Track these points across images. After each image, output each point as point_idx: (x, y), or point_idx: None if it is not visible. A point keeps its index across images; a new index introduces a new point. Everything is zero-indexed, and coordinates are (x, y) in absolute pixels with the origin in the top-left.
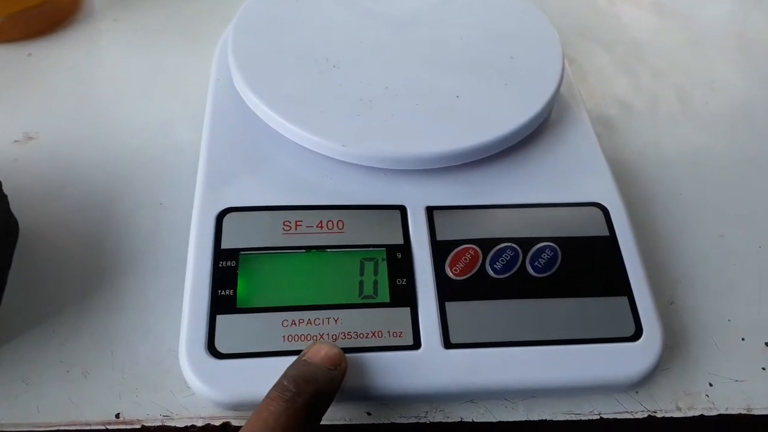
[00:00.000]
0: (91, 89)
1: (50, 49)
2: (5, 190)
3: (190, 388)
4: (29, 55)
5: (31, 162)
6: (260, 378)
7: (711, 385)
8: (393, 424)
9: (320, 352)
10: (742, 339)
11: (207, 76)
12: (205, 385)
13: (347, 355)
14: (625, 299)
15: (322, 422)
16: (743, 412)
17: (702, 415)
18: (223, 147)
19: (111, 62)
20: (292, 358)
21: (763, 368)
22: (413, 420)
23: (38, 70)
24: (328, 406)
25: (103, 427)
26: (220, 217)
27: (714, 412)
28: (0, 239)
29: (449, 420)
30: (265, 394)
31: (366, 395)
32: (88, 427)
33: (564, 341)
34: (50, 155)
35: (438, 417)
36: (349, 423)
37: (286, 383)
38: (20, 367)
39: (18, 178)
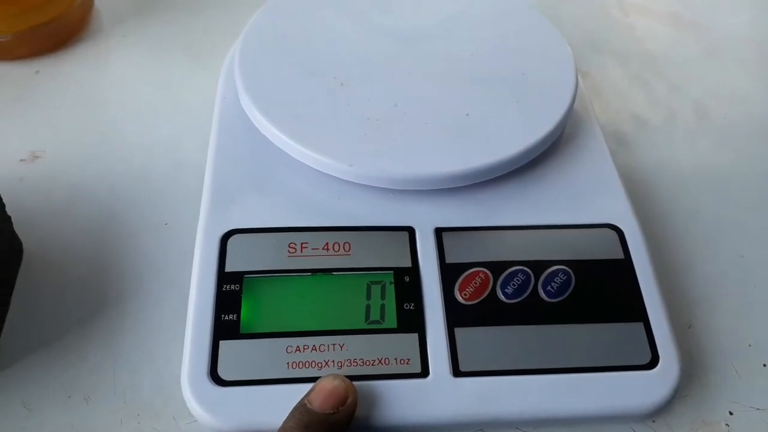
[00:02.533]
0: (98, 107)
1: (58, 67)
2: (9, 211)
3: (192, 416)
4: (37, 72)
5: (36, 181)
6: (264, 406)
7: (731, 413)
8: None
9: (322, 392)
10: (764, 365)
11: (214, 93)
12: (207, 413)
13: (355, 384)
14: (640, 325)
15: None
16: None
17: None
18: (229, 166)
19: (118, 79)
20: (296, 386)
21: None
22: None
23: (46, 87)
24: None
25: None
26: (225, 239)
27: None
28: (4, 261)
29: None
30: (268, 423)
31: (373, 425)
32: None
33: (577, 369)
34: (56, 174)
35: None
36: None
37: None
38: (22, 391)
39: (23, 198)
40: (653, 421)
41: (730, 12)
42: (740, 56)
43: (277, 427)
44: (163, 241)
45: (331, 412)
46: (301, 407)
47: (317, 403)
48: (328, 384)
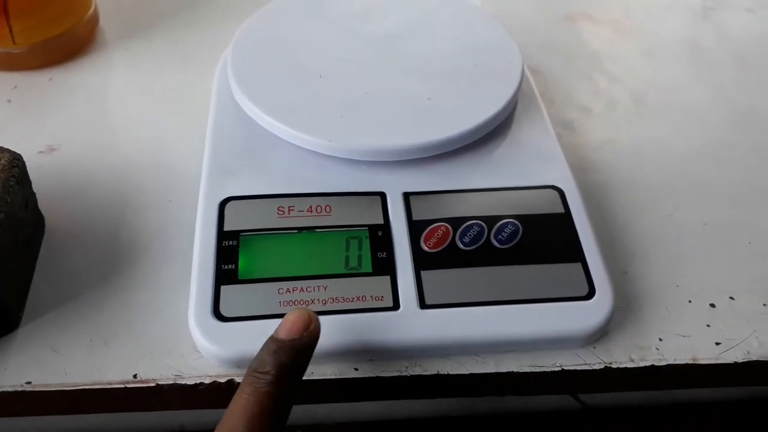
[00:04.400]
0: (105, 107)
1: (69, 75)
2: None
3: (198, 352)
4: (50, 79)
5: (54, 169)
6: (260, 337)
7: (661, 340)
8: (378, 377)
9: (287, 323)
10: (689, 301)
11: (208, 93)
12: (212, 344)
13: (335, 317)
14: (579, 265)
15: (314, 377)
16: (690, 362)
17: (653, 365)
18: (224, 146)
19: (123, 85)
20: None
21: (708, 325)
22: (395, 374)
23: (59, 92)
24: (303, 373)
25: (122, 386)
26: (223, 204)
27: (663, 363)
28: (31, 230)
29: (427, 373)
30: None
31: (353, 352)
32: (110, 386)
33: (525, 300)
34: (71, 163)
35: (417, 371)
36: (339, 377)
37: (252, 368)
38: (50, 338)
39: (43, 182)
40: (594, 347)
41: (663, 17)
42: (673, 54)
43: None
44: (168, 215)
45: (296, 337)
46: (270, 339)
47: (283, 332)
48: (291, 315)
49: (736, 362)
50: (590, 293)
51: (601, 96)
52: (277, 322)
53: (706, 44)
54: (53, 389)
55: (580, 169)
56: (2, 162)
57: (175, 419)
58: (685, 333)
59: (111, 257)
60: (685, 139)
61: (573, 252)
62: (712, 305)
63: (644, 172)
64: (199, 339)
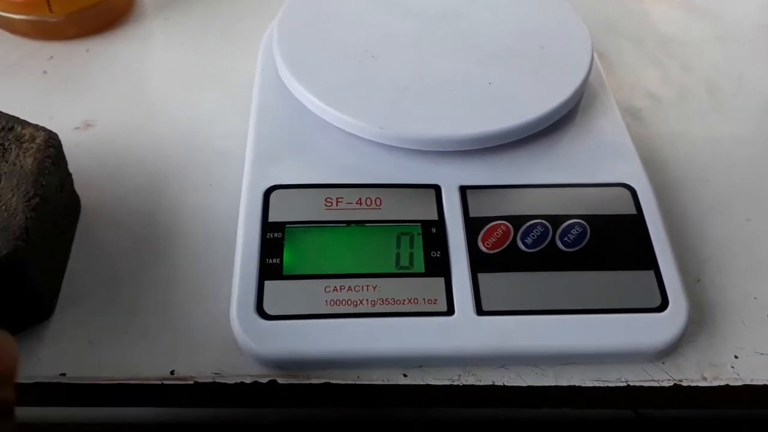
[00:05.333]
0: (144, 82)
1: (106, 46)
2: None
3: (239, 350)
4: (87, 50)
5: (90, 147)
6: (305, 337)
7: (736, 357)
8: (427, 386)
9: None
10: None
11: (249, 70)
12: (254, 342)
13: (384, 320)
14: (651, 273)
15: (360, 382)
16: None
17: (727, 385)
18: (270, 130)
19: (162, 57)
20: (334, 321)
21: None
22: (447, 383)
23: (96, 64)
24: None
25: (159, 382)
26: (267, 193)
27: (739, 383)
28: (66, 213)
29: (481, 383)
30: (308, 353)
31: (402, 358)
32: (147, 382)
33: (591, 311)
34: (108, 141)
35: (470, 380)
36: (387, 383)
37: None
38: (85, 329)
39: (79, 161)
40: (663, 363)
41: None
42: (750, 40)
43: (316, 358)
44: (208, 200)
45: None
46: None
47: None
48: None
49: None
50: (663, 305)
51: (672, 84)
52: (323, 322)
53: None
54: (88, 382)
55: (648, 164)
56: (38, 141)
57: (208, 413)
58: (764, 350)
59: (148, 244)
60: (763, 135)
61: (645, 258)
62: None
63: (719, 170)
64: (241, 337)
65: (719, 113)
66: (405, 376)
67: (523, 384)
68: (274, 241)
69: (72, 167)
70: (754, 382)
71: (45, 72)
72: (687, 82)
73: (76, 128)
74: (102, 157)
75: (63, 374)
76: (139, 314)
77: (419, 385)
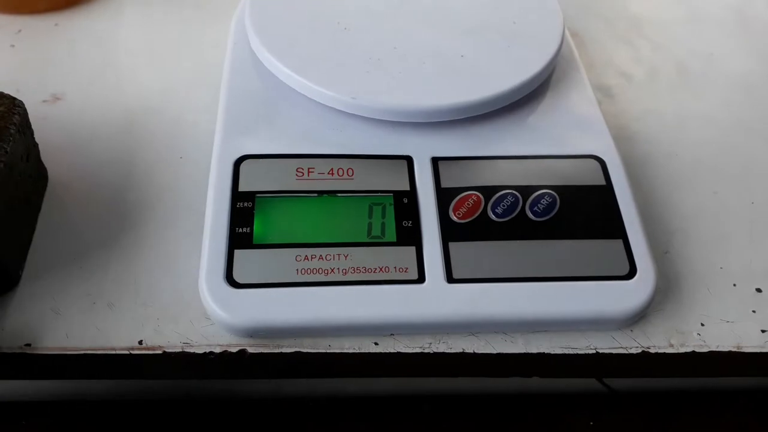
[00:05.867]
0: (114, 55)
1: (75, 20)
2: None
3: (208, 319)
4: (56, 24)
5: (58, 120)
6: (275, 306)
7: (703, 325)
8: (398, 353)
9: None
10: (734, 285)
11: (221, 43)
12: (223, 311)
13: (355, 288)
14: (620, 242)
15: (331, 350)
16: (733, 349)
17: (694, 352)
18: (241, 101)
19: (133, 31)
20: (305, 289)
21: (753, 311)
22: (417, 350)
23: (64, 38)
24: None
25: (127, 352)
26: (238, 163)
27: (705, 349)
28: (32, 184)
29: (452, 351)
30: (279, 321)
31: (373, 326)
32: (113, 352)
33: (561, 278)
34: (76, 114)
35: (441, 348)
36: (358, 352)
37: None
38: (50, 299)
39: (46, 134)
40: (631, 330)
41: None
42: (720, 21)
43: (286, 327)
44: (178, 173)
45: None
46: None
47: None
48: None
49: None
50: (631, 272)
51: (643, 62)
52: (293, 291)
53: (754, 12)
54: (53, 353)
55: (618, 140)
56: (1, 109)
57: (179, 387)
58: (729, 318)
59: (117, 215)
60: (731, 112)
61: (614, 228)
62: (759, 290)
63: (687, 145)
64: (210, 306)
65: (688, 91)
66: (376, 344)
67: (493, 351)
68: (244, 211)
69: (39, 139)
70: (720, 349)
71: (12, 46)
72: (657, 61)
73: (44, 101)
74: (70, 130)
75: (28, 344)
76: (106, 285)
77: (390, 353)
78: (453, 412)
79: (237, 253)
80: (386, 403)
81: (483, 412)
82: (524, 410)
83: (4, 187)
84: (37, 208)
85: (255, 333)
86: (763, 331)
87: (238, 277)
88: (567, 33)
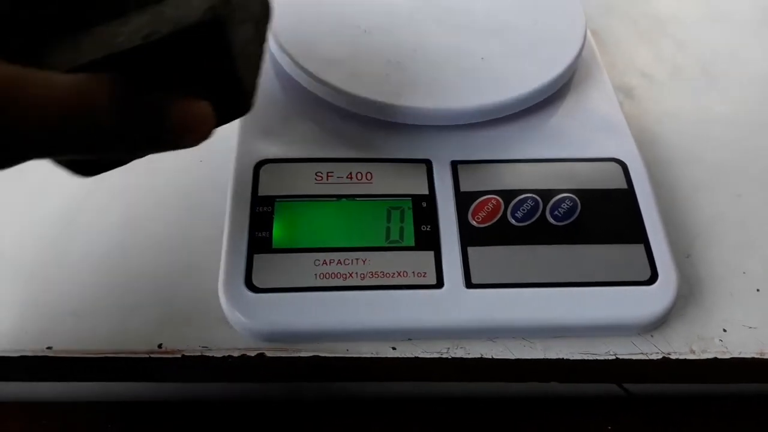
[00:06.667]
0: None
1: None
2: None
3: (227, 323)
4: None
5: None
6: (294, 310)
7: (725, 330)
8: (416, 358)
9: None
10: (757, 290)
11: None
12: (242, 315)
13: (374, 293)
14: (641, 246)
15: (349, 354)
16: (756, 356)
17: (716, 358)
18: (261, 105)
19: None
20: (324, 293)
21: None
22: (436, 355)
23: None
24: None
25: (146, 356)
26: (258, 167)
27: (727, 356)
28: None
29: (470, 356)
30: (298, 325)
31: (391, 330)
32: (134, 355)
33: (581, 284)
34: None
35: (459, 353)
36: (376, 356)
37: None
38: (71, 301)
39: None
40: (651, 336)
41: None
42: (744, 20)
43: (305, 331)
44: (198, 176)
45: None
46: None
47: None
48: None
49: None
50: (652, 278)
51: (665, 62)
52: (312, 295)
53: None
54: (75, 356)
55: (639, 141)
56: None
57: (198, 389)
58: (752, 324)
59: (137, 219)
60: (756, 114)
61: (635, 232)
62: None
63: (711, 147)
64: (229, 310)
65: (711, 91)
66: (394, 349)
67: (512, 357)
68: (264, 215)
69: None
70: (742, 355)
71: None
72: (680, 60)
73: None
74: None
75: (50, 347)
76: (126, 288)
77: (408, 357)
78: (467, 413)
79: (257, 257)
80: (402, 404)
81: (498, 414)
82: (540, 413)
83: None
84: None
85: (274, 337)
86: None
87: (257, 281)
88: (589, 33)
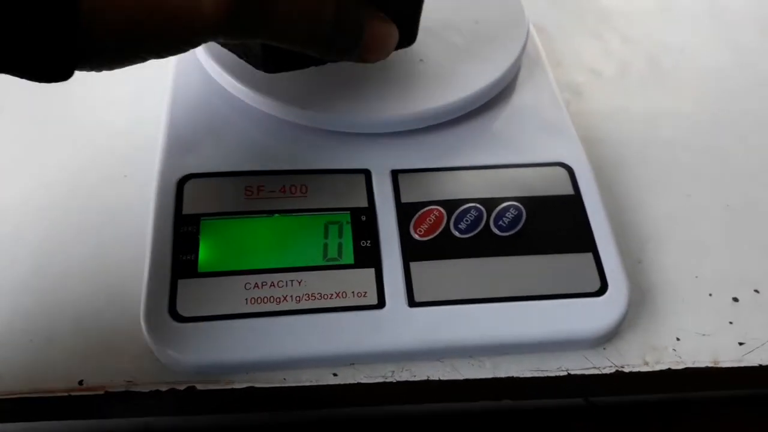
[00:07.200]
0: None
1: None
2: None
3: (153, 355)
4: None
5: None
6: (223, 340)
7: (678, 339)
8: (359, 384)
9: None
10: (710, 294)
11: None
12: (167, 348)
13: (311, 316)
14: (590, 255)
15: (287, 384)
16: (710, 365)
17: (669, 369)
18: (186, 115)
19: None
20: (255, 320)
21: (730, 322)
22: (380, 380)
23: None
24: None
25: (66, 394)
26: (181, 183)
27: (681, 366)
28: None
29: (416, 379)
30: (228, 357)
31: (331, 356)
32: (52, 394)
33: (529, 297)
34: (16, 129)
35: (404, 376)
36: (315, 384)
37: None
38: None
39: None
40: (604, 348)
41: None
42: (692, 12)
43: (237, 362)
44: (123, 191)
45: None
46: None
47: None
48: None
49: (761, 365)
50: (602, 288)
51: (613, 57)
52: (243, 322)
53: (727, 2)
54: None
55: (587, 142)
56: None
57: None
58: (705, 331)
59: (56, 241)
60: (704, 109)
61: (583, 240)
62: (735, 299)
63: (659, 145)
64: (153, 342)
65: (659, 87)
66: (335, 375)
67: (460, 377)
68: (188, 235)
69: None
70: (696, 365)
71: None
72: (628, 55)
73: None
74: (4, 149)
75: None
76: (44, 318)
77: (351, 384)
78: (427, 429)
79: (181, 282)
80: (370, 423)
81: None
82: (503, 426)
83: None
84: None
85: (203, 370)
86: (740, 344)
87: (182, 309)
88: (532, 29)
